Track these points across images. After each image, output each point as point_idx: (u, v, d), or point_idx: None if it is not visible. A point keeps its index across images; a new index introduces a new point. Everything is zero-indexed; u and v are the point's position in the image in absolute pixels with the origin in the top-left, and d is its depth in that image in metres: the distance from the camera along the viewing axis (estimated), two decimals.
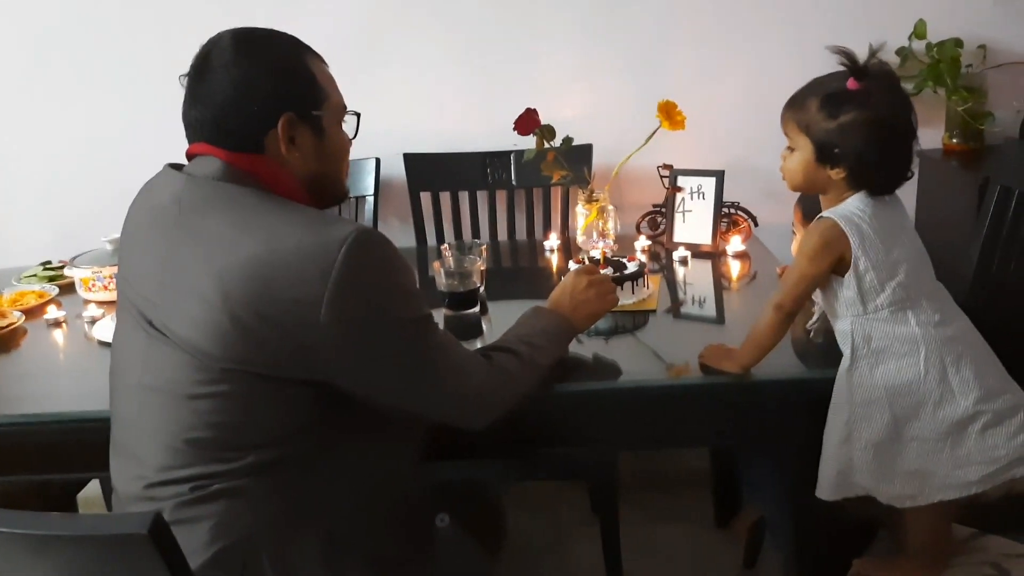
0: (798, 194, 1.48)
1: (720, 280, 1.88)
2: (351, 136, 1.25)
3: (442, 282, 1.66)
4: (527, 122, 1.96)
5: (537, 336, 1.32)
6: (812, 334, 1.41)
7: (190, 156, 1.17)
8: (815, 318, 1.41)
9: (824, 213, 1.28)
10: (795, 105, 1.29)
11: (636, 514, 2.23)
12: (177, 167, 1.17)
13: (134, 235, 1.19)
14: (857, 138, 1.23)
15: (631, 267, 1.68)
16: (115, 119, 2.33)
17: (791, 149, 1.31)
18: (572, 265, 1.71)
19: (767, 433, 1.39)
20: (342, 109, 1.22)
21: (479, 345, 1.64)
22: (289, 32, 1.19)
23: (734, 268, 1.91)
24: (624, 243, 2.02)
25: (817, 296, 1.35)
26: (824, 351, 1.35)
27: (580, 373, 1.41)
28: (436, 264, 1.67)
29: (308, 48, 1.18)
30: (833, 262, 1.26)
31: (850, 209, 1.26)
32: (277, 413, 1.07)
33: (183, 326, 1.05)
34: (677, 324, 1.66)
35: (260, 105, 1.11)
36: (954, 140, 2.21)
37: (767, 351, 1.31)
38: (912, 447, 1.25)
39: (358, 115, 1.25)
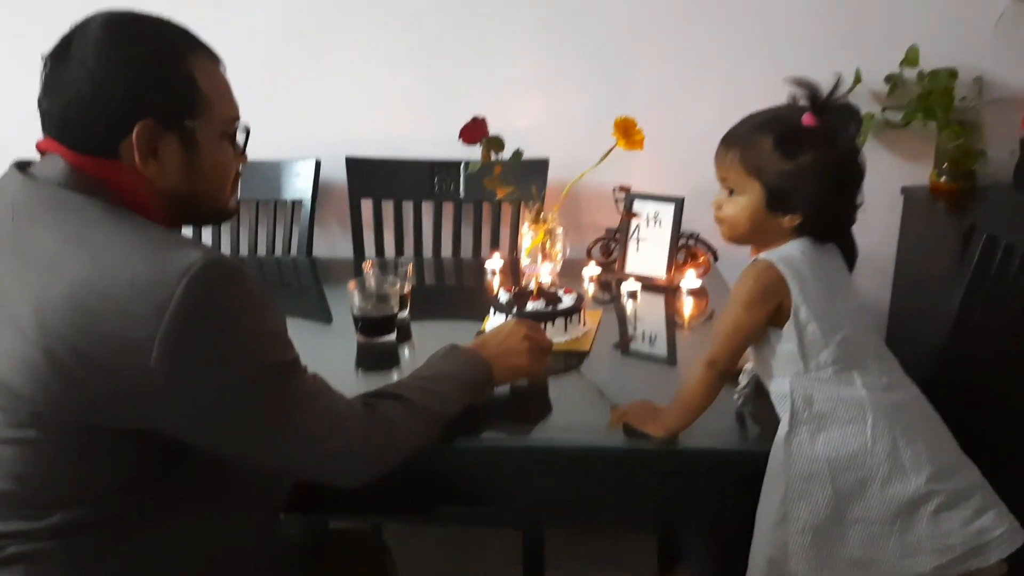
0: None
1: (673, 317, 1.71)
2: (239, 151, 1.07)
3: (355, 304, 1.49)
4: (473, 131, 1.77)
5: (443, 381, 1.15)
6: (741, 401, 1.24)
7: (41, 152, 1.00)
8: (743, 384, 1.23)
9: (760, 255, 1.14)
10: (739, 143, 1.14)
11: (567, 561, 2.06)
12: (24, 165, 1.00)
13: None
14: (818, 180, 1.09)
15: (567, 300, 1.51)
16: None
17: (730, 192, 1.15)
18: (503, 295, 1.54)
19: (695, 509, 1.22)
20: (230, 121, 1.04)
21: (394, 377, 1.48)
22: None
23: (688, 305, 1.73)
24: (572, 269, 1.84)
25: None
26: (761, 419, 1.18)
27: (491, 421, 1.24)
28: (351, 284, 1.50)
29: (198, 45, 1.01)
30: (771, 311, 1.12)
31: (788, 251, 1.13)
32: (95, 466, 0.90)
33: None
34: (624, 363, 1.49)
35: (116, 107, 0.94)
36: (943, 179, 2.04)
37: (698, 414, 1.15)
38: (856, 531, 1.09)
39: (247, 130, 1.07)
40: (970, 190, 2.02)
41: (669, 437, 1.15)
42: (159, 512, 0.94)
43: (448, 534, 2.23)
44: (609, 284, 1.84)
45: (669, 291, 1.78)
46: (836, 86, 1.11)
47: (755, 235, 1.15)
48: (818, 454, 1.09)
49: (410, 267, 1.60)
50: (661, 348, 1.58)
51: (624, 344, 1.56)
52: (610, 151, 1.76)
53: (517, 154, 1.83)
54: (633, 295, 1.75)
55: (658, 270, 1.80)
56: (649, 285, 1.79)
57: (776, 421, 1.13)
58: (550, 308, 1.47)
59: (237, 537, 1.02)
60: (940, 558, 1.08)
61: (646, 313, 1.73)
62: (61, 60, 0.95)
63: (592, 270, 1.86)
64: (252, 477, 1.01)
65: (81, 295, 0.85)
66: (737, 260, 1.89)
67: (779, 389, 1.13)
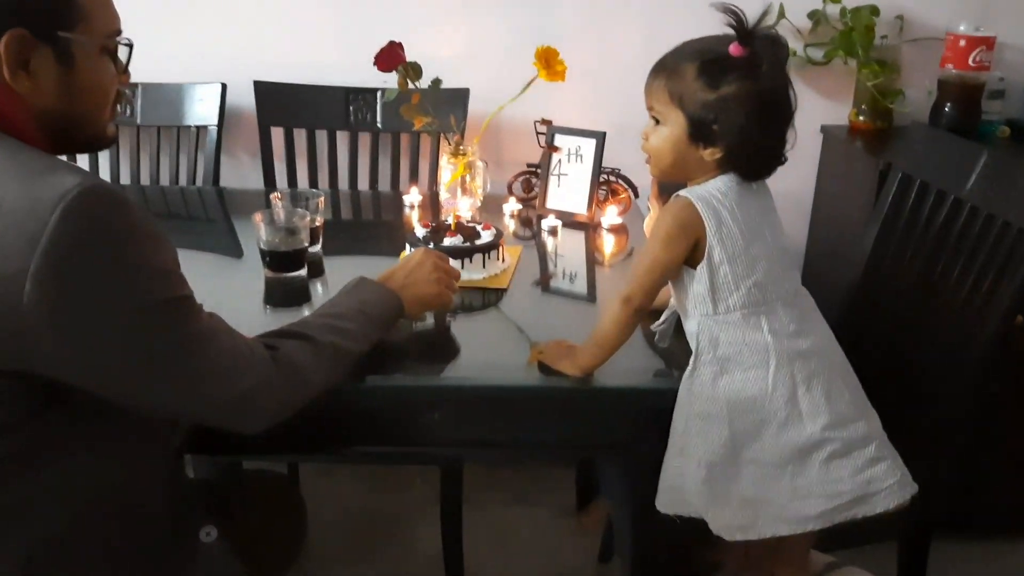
0: None
1: (593, 254, 1.69)
2: (121, 70, 0.98)
3: (262, 237, 1.41)
4: (389, 57, 1.69)
5: (350, 317, 1.10)
6: (657, 337, 1.22)
7: None
8: (662, 319, 1.22)
9: (681, 192, 1.11)
10: (665, 71, 1.10)
11: (487, 495, 2.07)
12: None
13: None
14: (739, 113, 1.05)
15: (485, 236, 1.46)
16: None
17: (656, 122, 1.11)
18: (419, 229, 1.49)
19: (614, 443, 1.20)
20: (110, 35, 0.95)
21: (305, 313, 1.43)
22: None
23: (608, 242, 1.71)
24: (493, 204, 1.79)
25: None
26: (680, 357, 1.17)
27: (405, 360, 1.20)
28: (257, 216, 1.42)
29: None
30: (688, 248, 1.09)
31: (710, 190, 1.10)
32: None
33: None
34: (544, 301, 1.47)
35: None
36: (861, 118, 2.05)
37: (612, 351, 1.13)
38: (749, 471, 1.11)
39: (131, 45, 0.98)
40: (887, 129, 2.03)
41: (584, 375, 1.13)
42: (36, 455, 0.87)
43: (368, 471, 2.21)
44: (530, 220, 1.81)
45: (590, 228, 1.75)
46: (763, 15, 1.07)
47: (679, 168, 1.12)
48: (718, 395, 1.09)
49: (321, 199, 1.52)
50: (581, 285, 1.56)
51: (544, 281, 1.53)
52: (531, 82, 1.70)
53: (436, 82, 1.75)
54: (553, 231, 1.71)
55: (579, 206, 1.76)
56: (570, 222, 1.75)
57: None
58: (467, 243, 1.42)
59: (126, 482, 0.96)
60: (827, 503, 1.09)
61: (566, 250, 1.70)
62: None
63: (513, 206, 1.81)
64: (143, 417, 0.95)
65: None
66: None
67: (689, 329, 1.13)
